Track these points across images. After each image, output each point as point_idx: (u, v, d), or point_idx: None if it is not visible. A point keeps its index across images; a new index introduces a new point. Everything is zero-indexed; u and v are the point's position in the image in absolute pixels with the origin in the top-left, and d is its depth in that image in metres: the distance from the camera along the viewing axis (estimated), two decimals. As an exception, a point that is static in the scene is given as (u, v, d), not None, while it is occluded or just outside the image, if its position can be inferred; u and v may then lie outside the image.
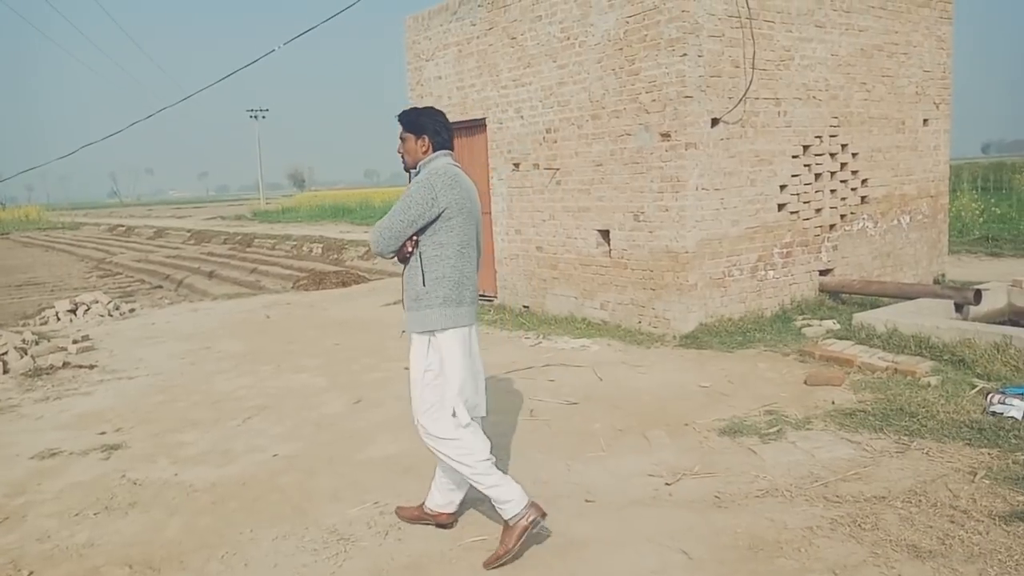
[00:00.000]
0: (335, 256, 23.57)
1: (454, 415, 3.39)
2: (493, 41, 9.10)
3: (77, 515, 4.10)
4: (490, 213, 9.60)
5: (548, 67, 8.37)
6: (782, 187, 7.74)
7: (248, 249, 27.38)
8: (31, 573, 3.50)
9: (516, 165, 9.01)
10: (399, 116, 3.61)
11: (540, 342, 7.59)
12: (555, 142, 8.42)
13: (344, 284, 13.99)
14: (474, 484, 3.39)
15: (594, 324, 7.98)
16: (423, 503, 3.73)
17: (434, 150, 3.54)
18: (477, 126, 9.62)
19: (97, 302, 11.53)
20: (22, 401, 6.49)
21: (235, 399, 6.21)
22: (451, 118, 9.93)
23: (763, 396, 5.39)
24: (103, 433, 5.48)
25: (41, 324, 11.20)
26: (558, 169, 8.41)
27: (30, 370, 7.53)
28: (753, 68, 7.31)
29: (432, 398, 3.44)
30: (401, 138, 3.58)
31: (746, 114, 7.35)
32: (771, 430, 4.67)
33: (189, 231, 39.34)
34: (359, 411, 5.68)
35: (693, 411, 5.17)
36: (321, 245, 25.47)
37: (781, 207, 7.77)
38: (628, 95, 7.45)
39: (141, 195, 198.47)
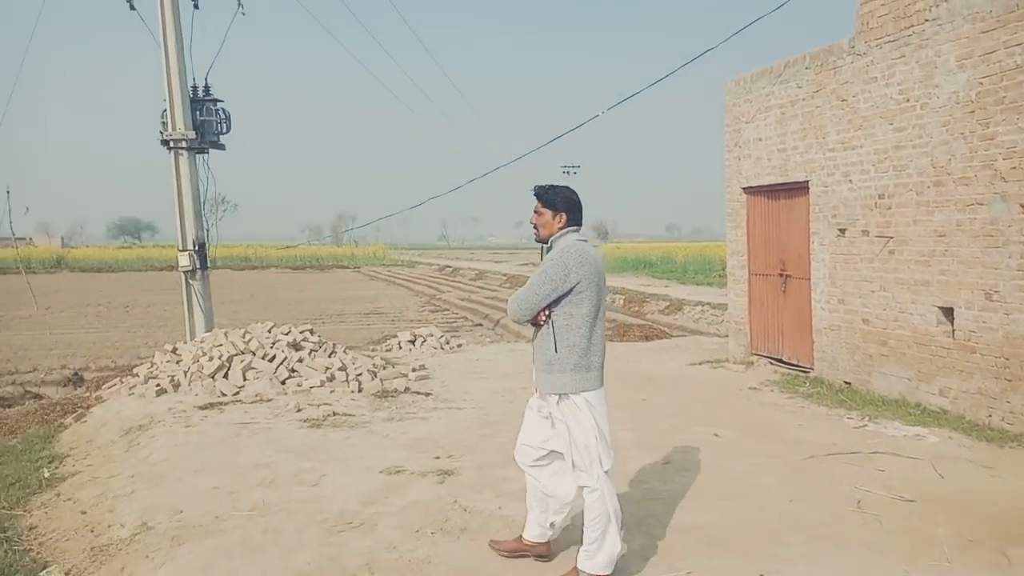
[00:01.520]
0: (636, 308, 23.98)
1: (600, 464, 3.73)
2: (820, 103, 8.76)
3: (417, 531, 4.58)
4: (808, 279, 9.14)
5: (882, 130, 7.83)
6: None
7: (555, 296, 28.92)
8: (383, 578, 3.99)
9: (842, 231, 8.51)
10: (536, 191, 3.92)
11: (865, 424, 6.98)
12: (888, 208, 7.81)
13: (647, 338, 14.19)
14: (609, 526, 3.70)
15: (930, 411, 7.15)
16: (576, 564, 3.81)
17: (567, 226, 3.87)
18: (797, 189, 9.28)
19: (432, 335, 12.98)
20: (372, 419, 7.49)
21: (548, 443, 6.56)
22: (770, 180, 9.87)
23: None
24: (437, 458, 6.11)
25: (386, 351, 12.90)
26: (891, 237, 7.77)
27: (379, 392, 8.70)
28: None
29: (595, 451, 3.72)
30: (537, 211, 3.90)
31: None
32: None
33: (505, 275, 42.73)
34: (669, 473, 5.68)
35: (1063, 531, 4.40)
36: (623, 296, 26.01)
37: None
38: (980, 161, 6.70)
39: (465, 239, 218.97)
